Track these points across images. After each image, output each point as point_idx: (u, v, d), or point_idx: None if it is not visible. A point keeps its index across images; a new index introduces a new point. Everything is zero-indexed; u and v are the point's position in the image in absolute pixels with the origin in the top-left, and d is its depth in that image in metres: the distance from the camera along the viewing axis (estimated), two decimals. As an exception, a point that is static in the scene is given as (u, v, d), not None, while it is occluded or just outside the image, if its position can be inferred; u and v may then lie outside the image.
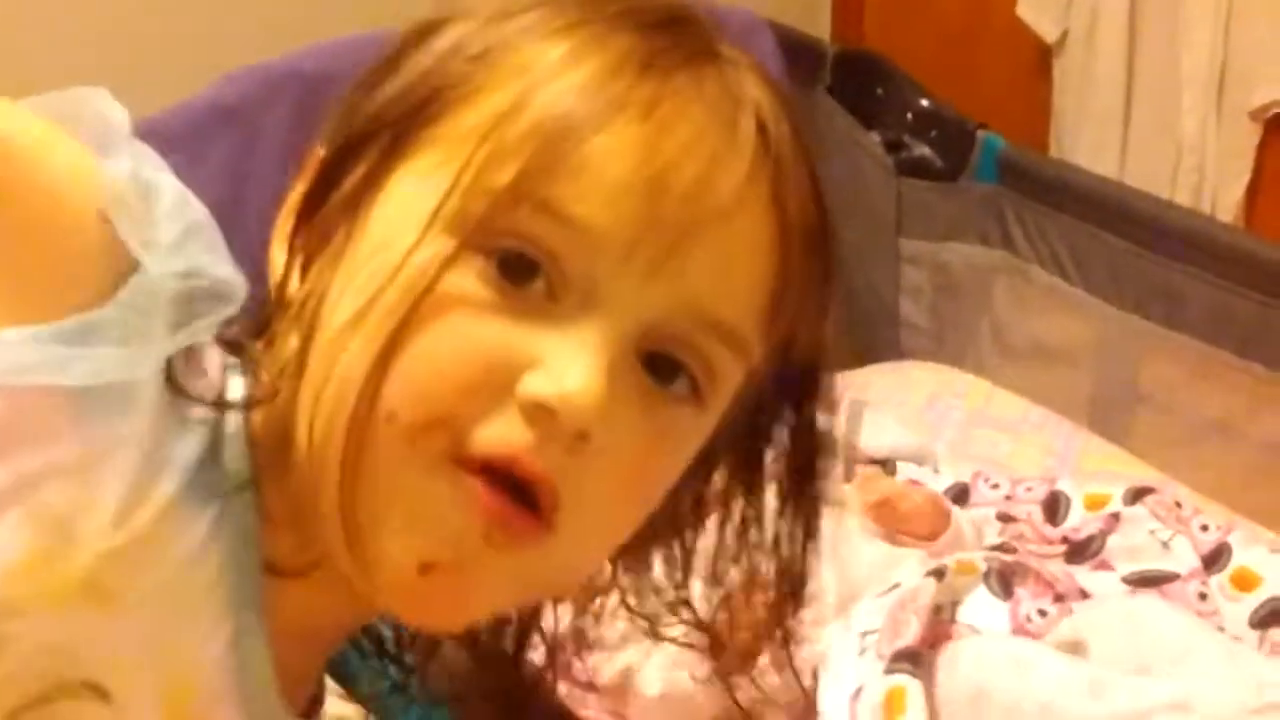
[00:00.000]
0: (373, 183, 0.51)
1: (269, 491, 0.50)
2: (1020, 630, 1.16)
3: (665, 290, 0.48)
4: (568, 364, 0.47)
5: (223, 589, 0.49)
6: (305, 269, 0.52)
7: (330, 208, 0.52)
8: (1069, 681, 1.08)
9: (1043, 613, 1.18)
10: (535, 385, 0.47)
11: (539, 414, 0.46)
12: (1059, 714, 1.05)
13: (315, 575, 0.51)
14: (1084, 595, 1.31)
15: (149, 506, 0.45)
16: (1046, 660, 1.10)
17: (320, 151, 0.53)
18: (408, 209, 0.49)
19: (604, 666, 1.19)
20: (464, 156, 0.48)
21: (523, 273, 0.47)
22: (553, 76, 0.48)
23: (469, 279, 0.47)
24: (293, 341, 0.51)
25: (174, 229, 0.46)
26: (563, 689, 1.18)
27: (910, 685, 1.09)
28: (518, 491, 0.47)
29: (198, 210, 0.48)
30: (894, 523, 1.28)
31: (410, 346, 0.47)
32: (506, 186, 0.47)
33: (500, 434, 0.47)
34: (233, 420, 0.49)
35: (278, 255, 0.52)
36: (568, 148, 0.47)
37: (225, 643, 0.49)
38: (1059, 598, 1.19)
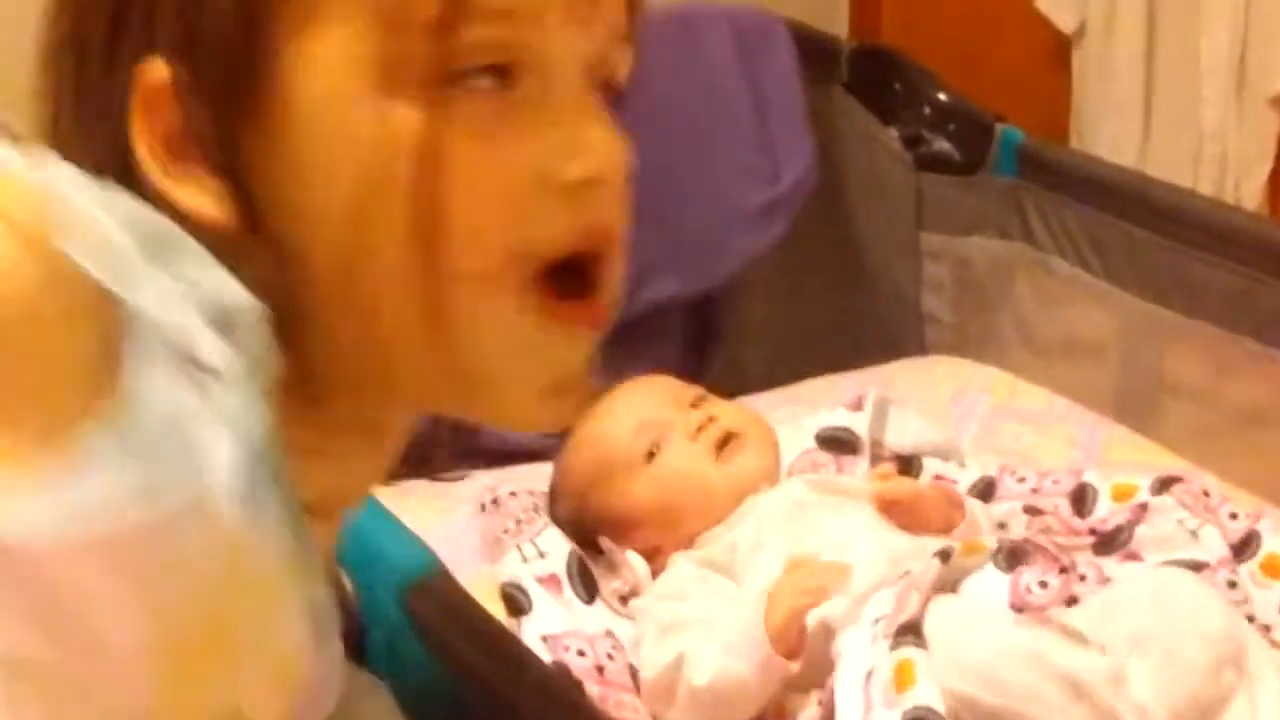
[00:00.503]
0: (268, 71, 0.48)
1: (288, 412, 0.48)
2: (1020, 601, 1.17)
3: (594, 30, 0.51)
4: (586, 135, 0.51)
5: (291, 554, 0.48)
6: (229, 193, 0.49)
7: (225, 117, 0.49)
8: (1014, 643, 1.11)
9: (1044, 584, 1.18)
10: (581, 168, 0.50)
11: (590, 189, 0.50)
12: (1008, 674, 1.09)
13: (335, 460, 0.53)
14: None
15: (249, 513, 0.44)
16: (997, 621, 1.13)
17: (160, 70, 0.48)
18: (340, 80, 0.48)
19: (652, 657, 1.21)
20: (373, 5, 0.47)
21: (482, 81, 0.49)
22: None
23: (449, 121, 0.48)
24: (262, 263, 0.48)
25: (131, 246, 0.43)
26: (597, 690, 1.20)
27: (917, 656, 1.09)
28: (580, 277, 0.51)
29: (150, 217, 0.45)
30: (906, 520, 1.30)
31: (440, 209, 0.47)
32: (442, 11, 0.47)
33: (570, 226, 0.50)
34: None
35: (180, 191, 0.48)
36: None
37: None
38: (1064, 570, 1.20)
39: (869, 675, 1.10)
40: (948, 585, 1.16)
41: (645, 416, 1.37)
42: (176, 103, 0.48)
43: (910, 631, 1.10)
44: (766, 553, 1.21)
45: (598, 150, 0.51)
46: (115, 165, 0.48)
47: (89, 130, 0.49)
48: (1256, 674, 1.13)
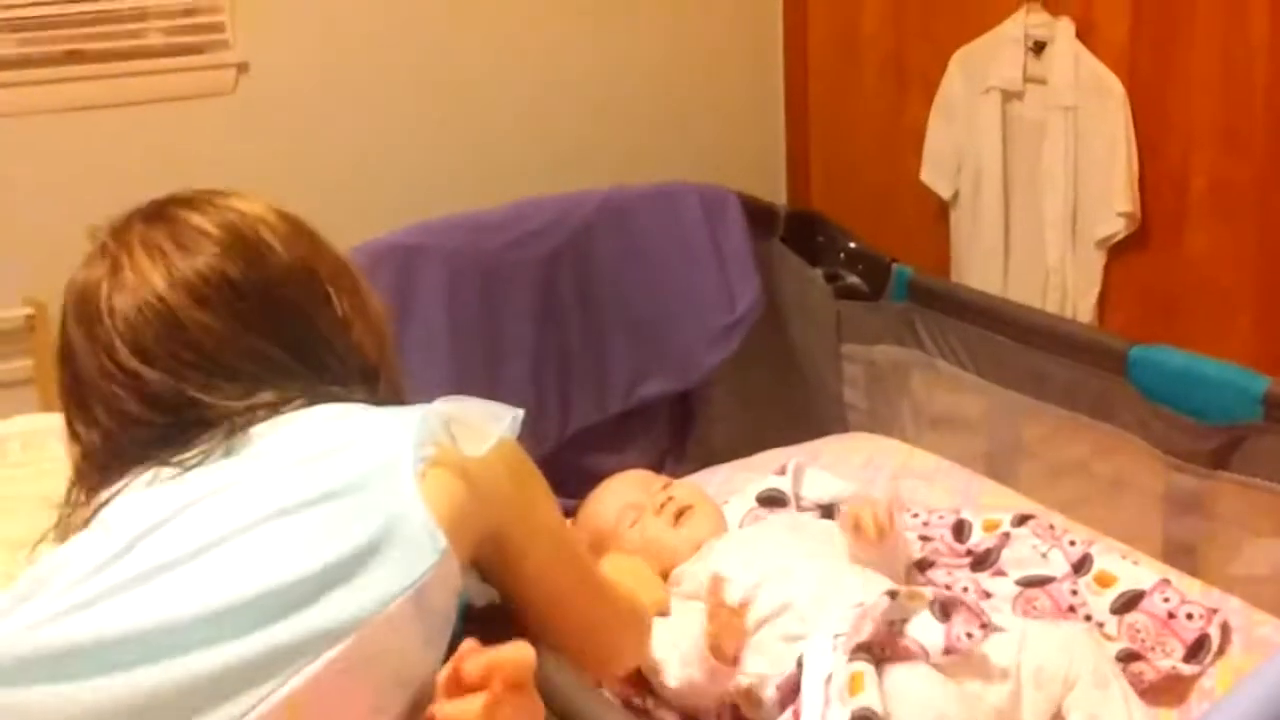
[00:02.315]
0: None
1: None
2: (951, 646, 1.26)
3: None
4: None
5: None
6: None
7: None
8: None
9: (970, 635, 1.28)
10: None
11: None
12: None
13: None
14: (987, 595, 1.52)
15: None
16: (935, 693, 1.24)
17: None
18: None
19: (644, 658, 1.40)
20: None
21: None
22: None
23: None
24: None
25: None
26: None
27: (867, 671, 1.22)
28: None
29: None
30: (869, 550, 1.43)
31: None
32: None
33: None
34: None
35: None
36: None
37: None
38: (984, 625, 1.29)
39: (828, 679, 1.24)
40: (896, 622, 1.27)
41: (625, 500, 1.61)
42: None
43: (864, 651, 1.23)
44: (728, 584, 1.38)
45: None
46: None
47: None
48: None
